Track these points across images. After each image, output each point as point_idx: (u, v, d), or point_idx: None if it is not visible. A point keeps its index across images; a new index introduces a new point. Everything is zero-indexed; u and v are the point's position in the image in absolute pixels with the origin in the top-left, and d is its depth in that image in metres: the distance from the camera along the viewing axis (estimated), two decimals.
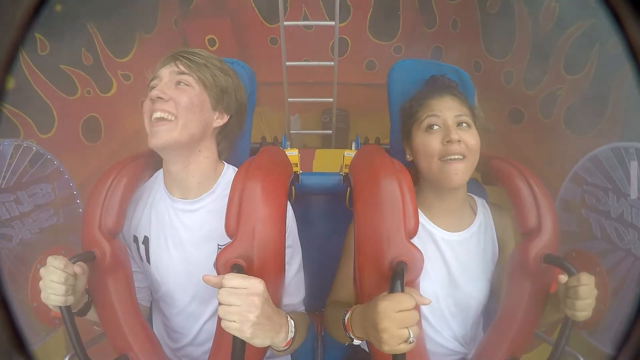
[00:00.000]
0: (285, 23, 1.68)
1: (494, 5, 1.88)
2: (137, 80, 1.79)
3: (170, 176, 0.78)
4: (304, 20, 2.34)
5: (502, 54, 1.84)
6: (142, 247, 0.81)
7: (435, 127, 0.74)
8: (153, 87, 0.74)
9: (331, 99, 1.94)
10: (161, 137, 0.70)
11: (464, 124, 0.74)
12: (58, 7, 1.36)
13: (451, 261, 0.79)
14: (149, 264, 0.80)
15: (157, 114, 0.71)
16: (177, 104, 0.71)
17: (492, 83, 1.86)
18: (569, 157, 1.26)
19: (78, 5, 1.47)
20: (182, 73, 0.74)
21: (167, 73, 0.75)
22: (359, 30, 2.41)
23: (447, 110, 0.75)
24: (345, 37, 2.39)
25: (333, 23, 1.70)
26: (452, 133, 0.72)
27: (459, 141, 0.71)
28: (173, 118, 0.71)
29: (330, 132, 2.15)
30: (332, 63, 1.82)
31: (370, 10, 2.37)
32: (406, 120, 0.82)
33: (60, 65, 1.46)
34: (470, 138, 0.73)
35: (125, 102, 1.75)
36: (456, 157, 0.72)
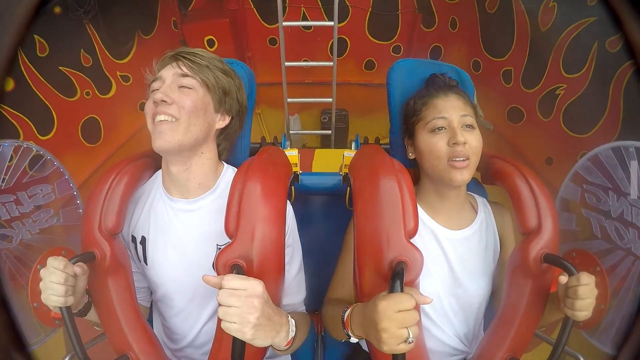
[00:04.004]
0: (284, 23, 1.69)
1: (493, 4, 1.89)
2: (136, 81, 1.79)
3: (171, 177, 0.77)
4: (302, 20, 2.34)
5: (501, 53, 1.84)
6: (139, 248, 0.80)
7: (442, 129, 0.75)
8: (155, 89, 0.73)
9: (330, 99, 1.95)
10: (165, 139, 0.70)
11: (469, 125, 0.75)
12: (57, 9, 1.36)
13: (453, 259, 0.80)
14: (147, 264, 0.80)
15: (160, 117, 0.70)
16: (180, 108, 0.71)
17: (491, 82, 1.86)
18: (568, 156, 1.26)
19: (77, 7, 1.47)
20: (185, 75, 0.73)
21: (169, 75, 0.74)
22: (358, 30, 2.41)
23: (452, 111, 0.75)
24: (344, 37, 2.40)
25: (332, 23, 1.70)
26: (458, 135, 0.72)
27: (464, 143, 0.72)
28: (175, 120, 0.71)
29: (330, 132, 2.15)
30: (331, 63, 1.82)
31: (369, 10, 2.37)
32: (409, 117, 0.82)
33: (60, 67, 1.46)
34: (474, 140, 0.74)
35: (125, 103, 1.75)
36: (461, 159, 0.72)
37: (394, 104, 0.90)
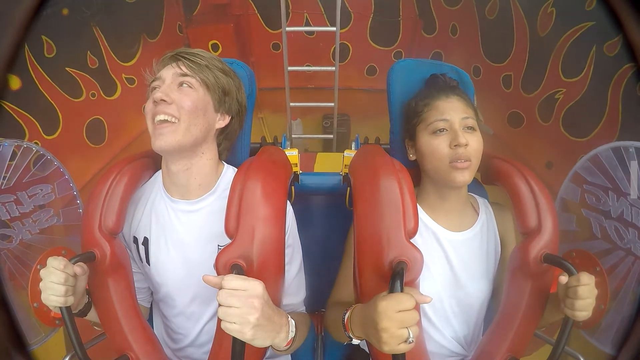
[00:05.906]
0: (287, 29, 1.71)
1: (493, 10, 1.91)
2: (141, 84, 1.81)
3: (171, 178, 0.78)
4: (305, 26, 2.37)
5: (501, 58, 1.85)
6: (141, 248, 0.80)
7: (443, 131, 0.75)
8: (155, 88, 0.74)
9: (332, 104, 1.96)
10: (165, 140, 0.70)
11: (470, 127, 0.76)
12: (65, 11, 1.38)
13: (454, 260, 0.79)
14: (149, 265, 0.80)
15: (160, 117, 0.71)
16: (180, 107, 0.71)
17: (491, 87, 1.88)
18: (568, 160, 1.27)
19: (84, 9, 1.50)
20: (185, 75, 0.74)
21: (169, 74, 0.74)
22: (360, 36, 2.44)
23: (454, 112, 0.76)
24: (346, 42, 2.42)
25: (334, 29, 1.72)
26: (459, 137, 0.73)
27: (466, 145, 0.72)
28: (176, 120, 0.71)
29: (332, 136, 2.16)
30: (333, 68, 1.84)
31: (371, 17, 2.40)
32: (410, 118, 0.82)
33: (66, 68, 1.48)
34: (475, 142, 0.75)
35: (129, 105, 1.77)
36: (463, 160, 0.73)
37: (394, 105, 0.90)
